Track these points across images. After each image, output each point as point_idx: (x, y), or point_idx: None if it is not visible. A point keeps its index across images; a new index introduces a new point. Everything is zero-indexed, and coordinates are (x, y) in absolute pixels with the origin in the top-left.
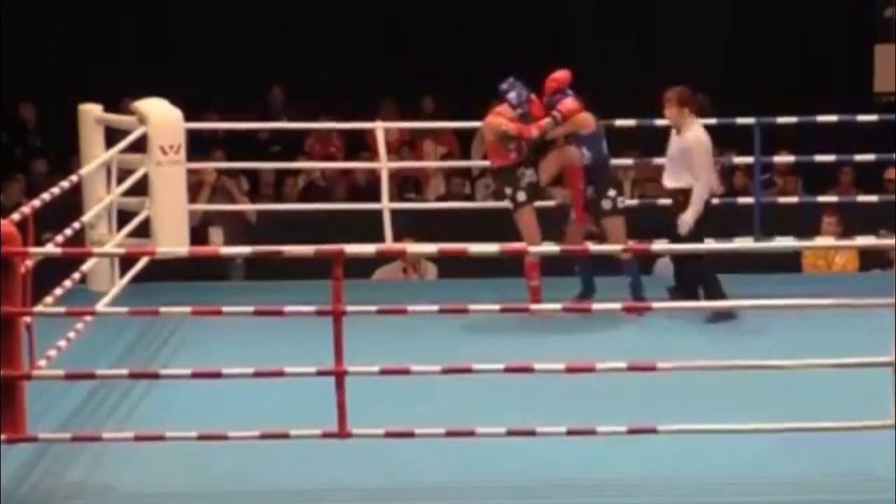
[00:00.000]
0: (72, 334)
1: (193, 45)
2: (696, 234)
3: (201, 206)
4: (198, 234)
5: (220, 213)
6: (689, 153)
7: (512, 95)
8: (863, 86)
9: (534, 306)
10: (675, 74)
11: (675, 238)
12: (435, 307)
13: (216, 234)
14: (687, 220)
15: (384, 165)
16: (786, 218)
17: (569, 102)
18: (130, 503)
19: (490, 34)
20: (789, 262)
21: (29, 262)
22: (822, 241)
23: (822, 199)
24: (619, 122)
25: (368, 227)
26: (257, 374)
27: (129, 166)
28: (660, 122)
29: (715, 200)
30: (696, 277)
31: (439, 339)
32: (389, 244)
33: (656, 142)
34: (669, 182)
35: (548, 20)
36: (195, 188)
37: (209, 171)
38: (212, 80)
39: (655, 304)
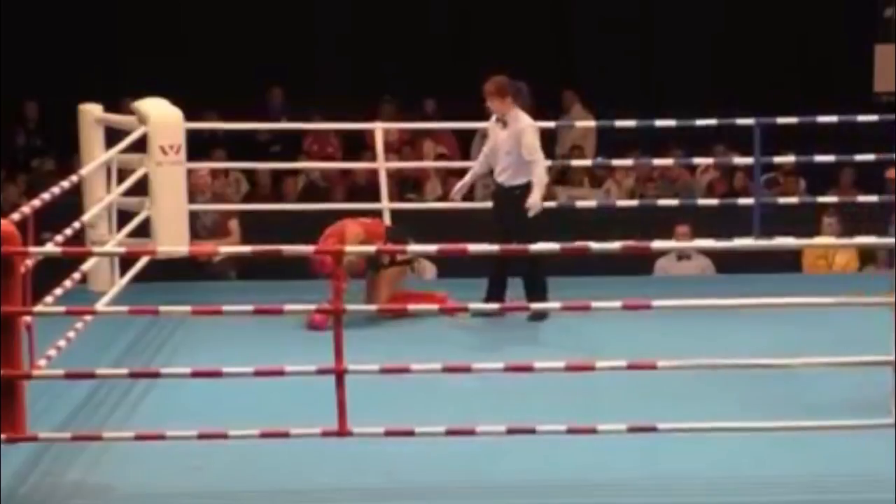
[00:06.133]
0: (72, 334)
1: (193, 45)
2: (534, 228)
3: (202, 207)
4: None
5: None
6: (523, 137)
7: None
8: (863, 86)
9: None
10: (675, 74)
11: (511, 236)
12: (435, 306)
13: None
14: (535, 201)
15: (381, 165)
16: (786, 218)
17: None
18: (130, 503)
19: (491, 35)
20: (789, 262)
21: (29, 262)
22: (822, 240)
23: (821, 199)
24: (619, 123)
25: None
26: (257, 374)
27: (129, 166)
28: (660, 122)
29: (715, 201)
30: (531, 277)
31: (439, 338)
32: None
33: (657, 142)
34: (508, 180)
35: (549, 21)
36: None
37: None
38: (212, 80)
39: (655, 303)
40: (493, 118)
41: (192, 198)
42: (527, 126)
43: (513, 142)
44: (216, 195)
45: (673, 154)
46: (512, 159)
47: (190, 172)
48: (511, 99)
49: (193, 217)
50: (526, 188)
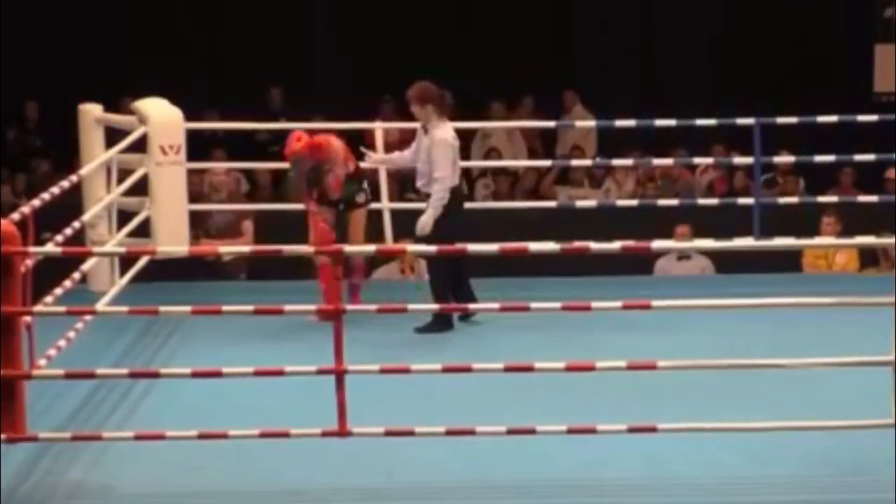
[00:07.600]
0: (72, 334)
1: (193, 46)
2: (446, 236)
3: (203, 207)
4: None
5: None
6: (433, 151)
7: None
8: (863, 86)
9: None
10: (675, 74)
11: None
12: (435, 306)
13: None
14: (426, 221)
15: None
16: (786, 218)
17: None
18: (130, 503)
19: (491, 35)
20: (789, 262)
21: (29, 262)
22: (822, 240)
23: (821, 199)
24: (619, 123)
25: (368, 227)
26: (257, 374)
27: (129, 166)
28: (660, 122)
29: (715, 201)
30: (433, 282)
31: (439, 339)
32: (389, 244)
33: (657, 142)
34: (424, 187)
35: (549, 21)
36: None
37: (220, 172)
38: (212, 80)
39: (655, 303)
40: (420, 123)
41: (208, 197)
42: (440, 140)
43: (429, 152)
44: (231, 195)
45: (674, 154)
46: (426, 168)
47: (206, 171)
48: (432, 107)
49: (205, 216)
50: None
